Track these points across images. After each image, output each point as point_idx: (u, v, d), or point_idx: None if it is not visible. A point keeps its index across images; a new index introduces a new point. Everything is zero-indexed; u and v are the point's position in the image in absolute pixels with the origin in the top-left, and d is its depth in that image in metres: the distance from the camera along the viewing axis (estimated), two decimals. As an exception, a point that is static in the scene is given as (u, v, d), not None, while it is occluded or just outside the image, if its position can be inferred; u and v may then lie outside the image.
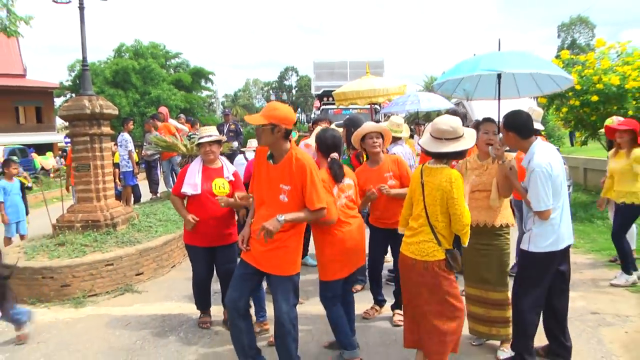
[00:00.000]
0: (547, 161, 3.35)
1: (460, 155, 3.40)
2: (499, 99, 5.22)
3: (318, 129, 4.62)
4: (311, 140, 5.16)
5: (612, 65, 8.91)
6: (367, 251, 4.32)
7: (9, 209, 7.67)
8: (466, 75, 5.08)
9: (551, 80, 5.22)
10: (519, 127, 3.51)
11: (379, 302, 4.75)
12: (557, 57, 10.08)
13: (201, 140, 4.47)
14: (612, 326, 4.37)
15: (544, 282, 3.50)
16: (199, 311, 4.75)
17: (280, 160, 3.35)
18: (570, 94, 8.90)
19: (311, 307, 4.85)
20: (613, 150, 5.73)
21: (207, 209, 4.33)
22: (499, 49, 5.59)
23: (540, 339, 3.72)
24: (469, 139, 3.37)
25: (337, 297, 3.81)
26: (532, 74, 5.13)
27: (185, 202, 4.51)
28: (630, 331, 4.27)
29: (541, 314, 3.64)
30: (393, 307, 4.64)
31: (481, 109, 10.92)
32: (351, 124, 5.21)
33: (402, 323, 3.98)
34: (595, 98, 8.57)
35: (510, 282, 3.77)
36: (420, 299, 3.27)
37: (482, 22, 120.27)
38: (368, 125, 4.54)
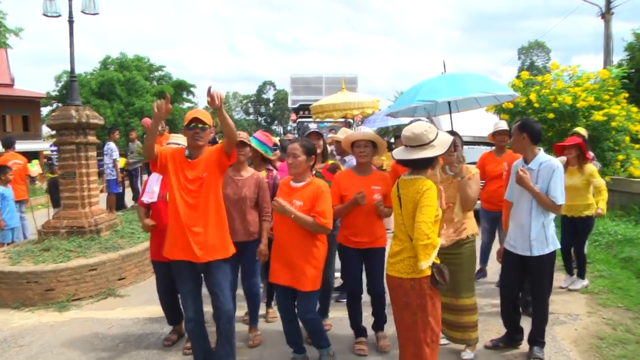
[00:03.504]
0: (561, 165, 3.71)
1: (428, 162, 3.04)
2: (451, 114, 5.44)
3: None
4: None
5: (565, 86, 9.27)
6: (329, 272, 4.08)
7: (8, 214, 7.44)
8: (408, 107, 5.17)
9: (493, 97, 5.42)
10: (533, 132, 3.74)
11: (362, 332, 4.16)
12: (518, 77, 10.38)
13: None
14: (564, 324, 4.52)
15: None
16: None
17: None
18: (529, 111, 9.16)
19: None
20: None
21: (162, 217, 4.00)
22: (444, 70, 5.83)
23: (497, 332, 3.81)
24: (439, 146, 3.02)
25: (282, 309, 3.69)
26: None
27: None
28: (579, 328, 4.43)
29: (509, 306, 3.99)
30: (375, 328, 4.19)
31: (447, 121, 11.12)
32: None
33: (364, 352, 3.96)
34: (551, 115, 8.87)
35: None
36: (403, 325, 3.03)
37: (447, 43, 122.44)
38: (358, 133, 4.07)
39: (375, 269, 3.94)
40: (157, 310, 5.09)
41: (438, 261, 2.92)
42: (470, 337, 3.84)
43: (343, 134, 5.19)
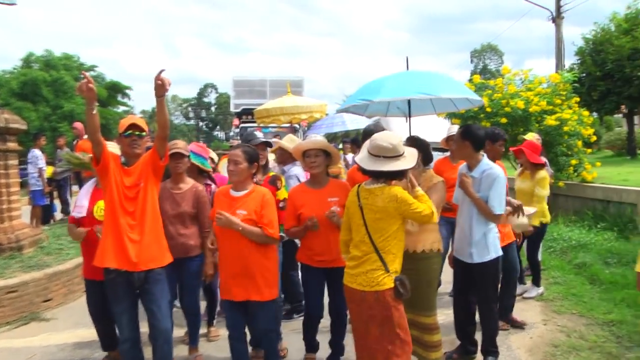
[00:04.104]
0: (503, 174, 3.77)
1: (398, 175, 3.14)
2: (410, 117, 5.43)
3: None
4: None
5: (518, 90, 9.68)
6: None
7: None
8: (374, 100, 5.00)
9: (466, 99, 5.45)
10: (476, 138, 3.82)
11: (314, 347, 4.13)
12: (470, 81, 10.76)
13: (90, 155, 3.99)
14: (519, 333, 4.70)
15: None
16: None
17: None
18: (482, 115, 9.49)
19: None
20: (519, 169, 5.96)
21: (91, 235, 3.80)
22: (407, 68, 5.82)
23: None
24: (409, 158, 3.16)
25: (233, 327, 3.63)
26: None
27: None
28: (534, 337, 4.62)
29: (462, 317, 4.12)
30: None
31: (398, 125, 11.33)
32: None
33: None
34: (504, 120, 9.22)
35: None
36: (369, 339, 3.08)
37: (397, 45, 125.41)
38: (308, 141, 4.00)
39: (339, 290, 3.74)
40: (88, 333, 4.89)
41: (399, 273, 3.04)
42: (429, 357, 3.72)
43: (289, 140, 5.16)
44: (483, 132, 4.01)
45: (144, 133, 3.54)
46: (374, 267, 3.04)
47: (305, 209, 3.78)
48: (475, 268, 3.90)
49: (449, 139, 5.67)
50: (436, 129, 8.70)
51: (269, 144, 4.79)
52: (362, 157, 3.23)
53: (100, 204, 3.87)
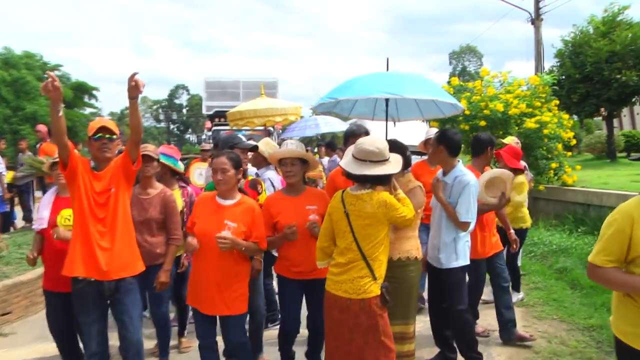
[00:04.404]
0: (475, 181, 3.79)
1: (384, 180, 3.16)
2: (387, 120, 5.38)
3: None
4: None
5: (497, 93, 9.85)
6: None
7: None
8: (340, 98, 4.94)
9: (450, 104, 5.31)
10: (451, 143, 3.89)
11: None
12: (448, 83, 10.90)
13: (53, 160, 3.91)
14: (499, 339, 4.74)
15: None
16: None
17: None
18: (460, 118, 9.62)
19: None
20: None
21: (54, 245, 3.74)
22: (387, 69, 5.74)
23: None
24: (394, 163, 3.20)
25: (205, 337, 3.60)
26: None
27: None
28: (515, 343, 4.66)
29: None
30: None
31: (377, 128, 11.37)
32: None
33: None
34: (483, 123, 9.36)
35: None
36: (353, 346, 3.09)
37: (374, 45, 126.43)
38: (284, 150, 3.91)
39: (318, 301, 3.69)
40: (50, 348, 4.76)
41: (383, 279, 3.10)
42: None
43: (264, 144, 5.15)
44: (459, 137, 4.06)
45: (114, 136, 3.48)
46: (361, 275, 3.07)
47: (282, 217, 3.72)
48: (443, 273, 3.99)
49: (427, 142, 5.63)
50: (414, 132, 8.75)
51: (257, 149, 4.79)
52: (347, 162, 3.23)
53: (65, 212, 3.81)
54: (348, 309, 3.07)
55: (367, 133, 4.30)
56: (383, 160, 3.13)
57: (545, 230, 8.72)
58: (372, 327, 3.06)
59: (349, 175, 3.22)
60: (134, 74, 3.15)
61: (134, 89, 3.15)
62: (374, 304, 3.05)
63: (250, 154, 4.84)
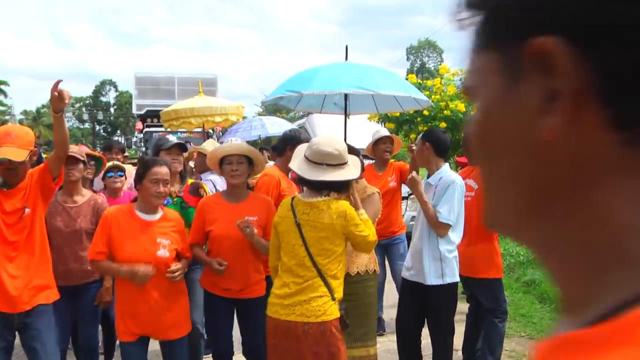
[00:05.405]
0: (461, 181, 3.78)
1: (346, 186, 3.07)
2: (346, 115, 5.37)
3: None
4: None
5: (458, 92, 9.97)
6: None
7: None
8: (304, 93, 4.92)
9: (412, 98, 5.33)
10: (438, 141, 3.88)
11: None
12: (405, 80, 11.02)
13: None
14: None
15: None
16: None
17: None
18: (419, 119, 9.73)
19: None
20: None
21: None
22: (346, 59, 5.53)
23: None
24: (353, 167, 3.08)
25: None
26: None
27: None
28: None
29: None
30: None
31: (323, 127, 11.34)
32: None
33: None
34: (443, 125, 9.44)
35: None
36: None
37: (324, 39, 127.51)
38: (229, 146, 3.83)
39: (251, 323, 3.70)
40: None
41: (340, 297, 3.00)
42: None
43: (211, 145, 5.04)
44: (447, 136, 4.09)
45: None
46: (318, 294, 2.90)
47: (216, 226, 3.55)
48: (428, 291, 3.81)
49: (376, 143, 5.37)
50: (361, 133, 8.54)
51: (184, 147, 4.62)
52: (299, 165, 3.07)
53: None
54: (306, 335, 2.86)
55: (306, 140, 4.17)
56: (342, 164, 3.01)
57: (511, 241, 8.90)
58: (332, 356, 2.89)
59: (304, 181, 3.09)
60: (58, 82, 2.98)
61: (57, 100, 2.99)
62: (334, 327, 2.90)
63: (185, 154, 4.70)
